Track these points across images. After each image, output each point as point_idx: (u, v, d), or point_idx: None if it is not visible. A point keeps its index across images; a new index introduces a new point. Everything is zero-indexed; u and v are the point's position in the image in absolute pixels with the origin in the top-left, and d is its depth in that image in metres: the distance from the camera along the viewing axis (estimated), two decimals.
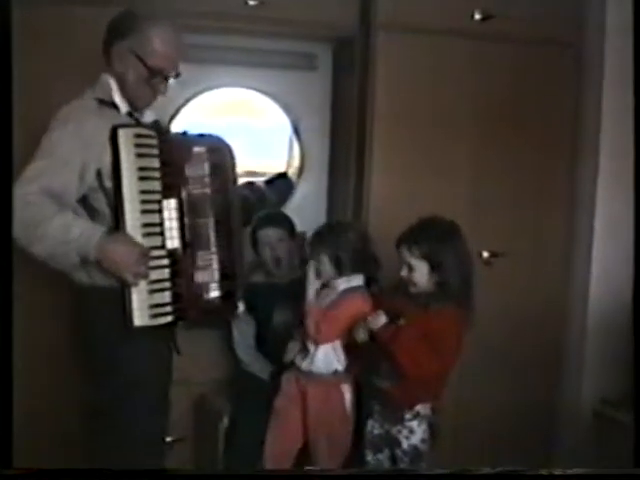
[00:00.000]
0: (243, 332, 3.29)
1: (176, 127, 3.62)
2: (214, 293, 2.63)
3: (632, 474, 2.22)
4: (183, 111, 3.69)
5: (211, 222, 2.63)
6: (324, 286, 2.96)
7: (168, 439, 3.05)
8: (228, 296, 2.67)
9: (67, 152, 2.32)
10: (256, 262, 3.43)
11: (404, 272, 2.78)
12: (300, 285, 3.13)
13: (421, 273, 2.74)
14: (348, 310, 2.85)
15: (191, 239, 2.54)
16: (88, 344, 2.56)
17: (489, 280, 3.47)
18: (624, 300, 3.49)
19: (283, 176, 4.00)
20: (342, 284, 2.91)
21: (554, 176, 3.63)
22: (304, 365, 2.92)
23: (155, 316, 2.43)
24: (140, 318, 2.40)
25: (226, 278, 2.66)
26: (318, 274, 2.89)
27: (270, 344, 3.25)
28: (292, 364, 2.99)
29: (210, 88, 3.73)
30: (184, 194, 2.53)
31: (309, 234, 3.07)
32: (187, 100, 3.69)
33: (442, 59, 3.45)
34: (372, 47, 3.40)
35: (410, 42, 3.40)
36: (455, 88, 3.48)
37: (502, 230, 3.56)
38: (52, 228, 2.24)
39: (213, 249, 2.63)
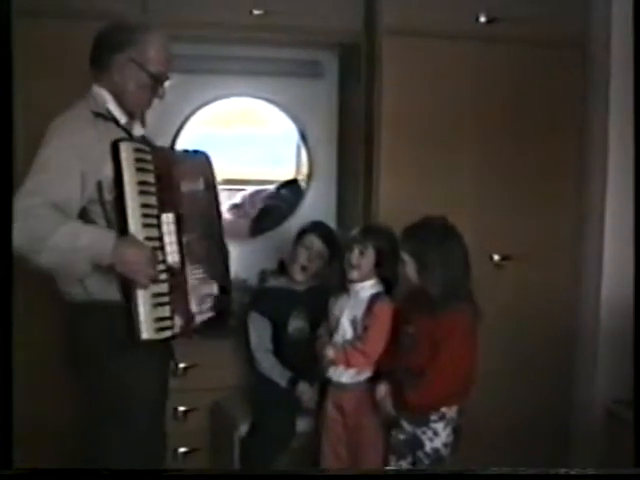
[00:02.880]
0: (260, 335, 3.27)
1: (183, 138, 3.67)
2: (209, 308, 2.63)
3: (632, 474, 2.21)
4: (190, 122, 3.71)
5: (204, 237, 2.64)
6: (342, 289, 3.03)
7: (182, 450, 3.07)
8: (223, 311, 2.69)
9: (67, 163, 2.31)
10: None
11: (401, 268, 2.84)
12: (318, 293, 3.21)
13: (410, 269, 2.79)
14: (383, 324, 2.90)
15: (187, 254, 2.52)
16: (82, 359, 2.54)
17: (501, 283, 3.49)
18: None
19: (292, 183, 4.02)
20: (368, 289, 2.96)
21: (563, 176, 3.61)
22: (337, 377, 2.98)
23: (159, 330, 2.38)
24: (147, 332, 2.35)
25: (221, 292, 2.67)
26: (357, 263, 2.93)
27: (286, 350, 3.26)
28: (326, 381, 3.03)
29: (217, 98, 3.76)
30: (181, 209, 2.52)
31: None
32: (194, 111, 3.72)
33: (448, 63, 3.44)
34: (377, 52, 3.40)
35: (416, 46, 3.39)
36: (461, 91, 3.47)
37: (512, 233, 3.54)
38: (61, 237, 2.23)
39: (207, 264, 2.63)
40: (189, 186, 2.61)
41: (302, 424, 3.19)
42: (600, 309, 3.54)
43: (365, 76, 3.52)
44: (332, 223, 3.77)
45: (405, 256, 2.80)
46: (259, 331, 3.28)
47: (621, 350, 3.51)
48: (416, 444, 2.84)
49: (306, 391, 3.16)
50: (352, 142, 3.69)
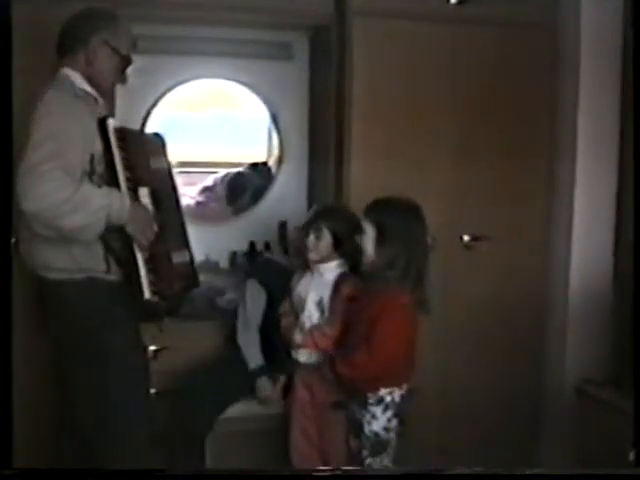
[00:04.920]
0: (256, 303, 3.26)
1: (153, 120, 3.66)
2: (187, 273, 2.84)
3: (632, 474, 2.24)
4: (160, 104, 3.69)
5: (171, 211, 2.81)
6: (305, 267, 3.04)
7: None
8: (195, 274, 2.92)
9: (72, 133, 2.40)
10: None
11: (358, 238, 2.80)
12: None
13: (369, 239, 2.76)
14: (344, 300, 2.91)
15: (164, 224, 2.63)
16: (70, 335, 2.62)
17: (470, 264, 3.51)
18: (605, 282, 3.52)
19: (262, 165, 4.02)
20: (332, 269, 2.97)
21: (534, 160, 3.61)
22: (305, 358, 3.00)
23: (152, 293, 2.50)
24: (147, 292, 2.49)
25: (192, 260, 2.90)
26: (314, 247, 2.95)
27: (270, 330, 3.22)
28: (296, 364, 3.04)
29: (186, 80, 3.74)
30: (152, 184, 2.65)
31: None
32: (164, 93, 3.71)
33: (419, 44, 3.42)
34: (348, 34, 3.37)
35: (386, 28, 3.37)
36: (433, 73, 3.46)
37: (483, 214, 3.55)
38: (82, 197, 2.31)
39: (177, 236, 2.83)
40: (156, 164, 2.77)
41: (273, 407, 3.21)
42: (569, 291, 3.56)
43: (336, 58, 3.50)
44: (303, 206, 3.77)
45: (367, 225, 2.78)
46: (255, 298, 3.26)
47: (590, 331, 3.55)
48: (357, 426, 2.83)
49: (265, 388, 3.19)
50: (323, 124, 3.67)
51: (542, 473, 2.20)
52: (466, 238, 3.51)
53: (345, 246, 2.94)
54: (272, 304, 3.23)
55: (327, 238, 2.95)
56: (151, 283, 2.50)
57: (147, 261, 2.52)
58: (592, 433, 3.24)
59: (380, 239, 2.75)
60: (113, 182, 2.48)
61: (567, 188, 3.57)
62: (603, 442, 3.11)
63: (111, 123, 2.51)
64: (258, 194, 3.93)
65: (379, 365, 2.72)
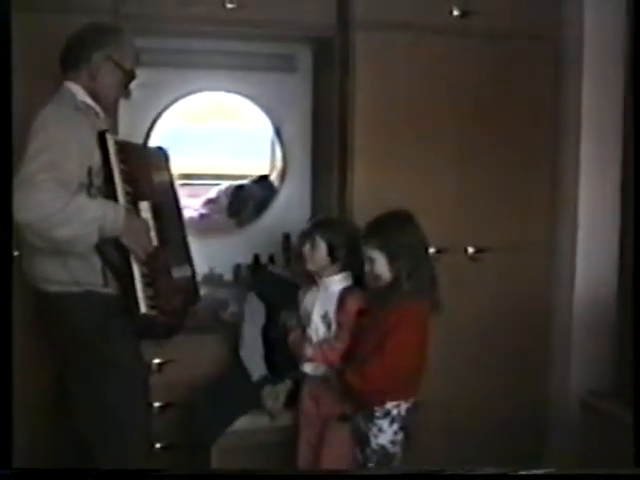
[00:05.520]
0: (254, 317, 3.26)
1: (157, 133, 3.66)
2: (188, 288, 2.88)
3: (632, 474, 2.22)
4: (164, 116, 3.70)
5: (173, 225, 2.83)
6: (311, 281, 3.04)
7: (158, 445, 3.06)
8: (196, 290, 2.95)
9: (67, 145, 2.41)
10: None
11: (367, 267, 2.81)
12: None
13: (381, 264, 2.77)
14: (352, 313, 2.90)
15: (165, 238, 2.65)
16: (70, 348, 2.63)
17: (475, 275, 3.50)
18: (609, 294, 3.51)
19: (265, 177, 4.02)
20: (337, 283, 2.97)
21: (538, 171, 3.61)
22: (312, 370, 3.00)
23: (150, 307, 2.49)
24: (144, 306, 2.47)
25: (194, 275, 2.93)
26: (309, 257, 2.97)
27: (272, 341, 3.23)
28: (302, 374, 3.05)
29: (190, 93, 3.75)
30: (154, 198, 2.67)
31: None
32: (167, 106, 3.71)
33: (422, 56, 3.42)
34: (351, 46, 3.38)
35: (389, 40, 3.38)
36: (436, 84, 3.46)
37: (487, 225, 3.54)
38: (75, 209, 2.32)
39: (178, 250, 2.84)
40: (158, 178, 2.79)
41: (279, 420, 3.19)
42: (573, 302, 3.56)
43: (339, 70, 3.50)
44: (307, 217, 3.76)
45: (373, 252, 2.77)
46: (253, 312, 3.26)
47: (594, 342, 3.54)
48: (363, 439, 2.83)
49: (271, 397, 3.18)
50: (327, 136, 3.68)
51: (543, 473, 2.19)
52: (470, 250, 3.51)
53: (341, 256, 2.95)
54: (272, 317, 3.24)
55: (322, 248, 2.95)
56: (149, 297, 2.49)
57: (145, 275, 2.51)
58: (595, 444, 3.23)
59: (390, 258, 2.75)
60: (111, 195, 2.49)
61: (571, 198, 3.57)
62: (606, 453, 3.10)
63: (110, 137, 2.51)
64: (262, 206, 3.93)
65: (390, 377, 2.72)
